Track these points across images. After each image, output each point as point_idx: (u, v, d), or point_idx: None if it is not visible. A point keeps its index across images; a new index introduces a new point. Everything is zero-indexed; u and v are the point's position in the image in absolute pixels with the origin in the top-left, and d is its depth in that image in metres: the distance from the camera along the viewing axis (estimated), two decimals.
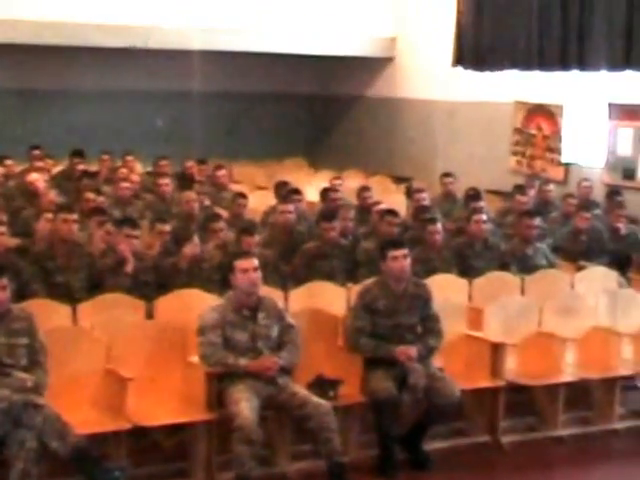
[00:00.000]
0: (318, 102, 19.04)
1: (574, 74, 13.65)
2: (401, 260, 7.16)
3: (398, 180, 15.79)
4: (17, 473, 5.74)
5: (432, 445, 7.32)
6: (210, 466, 6.71)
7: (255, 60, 17.23)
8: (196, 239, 8.44)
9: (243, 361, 6.57)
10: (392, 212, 9.56)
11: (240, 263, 6.75)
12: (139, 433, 6.55)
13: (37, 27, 14.63)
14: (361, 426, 7.26)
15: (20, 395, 5.88)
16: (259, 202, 11.86)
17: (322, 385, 6.89)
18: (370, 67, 17.66)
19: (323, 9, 16.62)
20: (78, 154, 13.40)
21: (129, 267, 8.10)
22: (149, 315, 7.55)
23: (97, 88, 17.28)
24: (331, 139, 18.96)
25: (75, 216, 8.29)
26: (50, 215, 8.66)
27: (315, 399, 6.58)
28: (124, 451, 6.45)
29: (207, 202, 11.07)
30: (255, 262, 6.78)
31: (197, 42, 15.46)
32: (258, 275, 6.76)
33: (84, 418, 6.29)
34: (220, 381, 6.62)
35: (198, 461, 6.72)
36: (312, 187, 13.29)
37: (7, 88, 16.70)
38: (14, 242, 8.75)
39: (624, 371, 8.10)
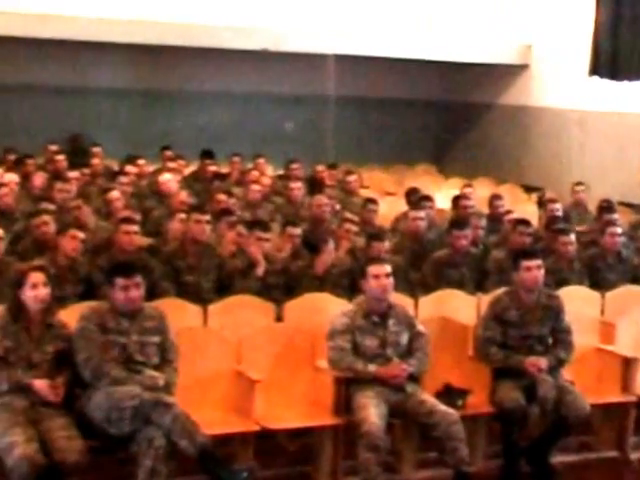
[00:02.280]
0: (448, 109, 18.89)
1: None
2: (534, 271, 7.04)
3: (528, 189, 15.56)
4: (145, 471, 5.78)
5: (558, 458, 7.16)
6: (335, 471, 6.69)
7: (388, 65, 17.16)
8: (331, 245, 8.42)
9: (372, 367, 6.53)
10: (525, 222, 9.41)
11: (373, 269, 6.71)
12: (265, 435, 6.57)
13: (170, 28, 14.87)
14: (487, 436, 7.16)
15: (151, 393, 5.91)
16: (388, 208, 11.80)
17: (450, 394, 6.83)
18: (503, 74, 17.45)
19: (459, 15, 16.50)
20: (209, 155, 13.56)
21: (260, 270, 8.14)
22: (278, 318, 7.58)
23: (228, 90, 17.46)
24: (460, 146, 18.78)
25: (207, 217, 8.37)
26: (183, 215, 8.76)
27: (443, 408, 6.50)
28: (251, 453, 6.47)
29: (337, 207, 11.07)
30: (388, 268, 6.74)
31: (331, 46, 15.49)
32: (390, 282, 6.71)
33: (211, 418, 6.32)
34: (348, 386, 6.59)
35: (323, 466, 6.71)
36: (441, 194, 13.17)
37: (139, 89, 17.01)
38: (146, 241, 8.88)
39: None
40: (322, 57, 16.07)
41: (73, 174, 11.75)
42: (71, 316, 6.46)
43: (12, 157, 13.48)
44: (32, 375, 5.97)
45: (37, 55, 16.00)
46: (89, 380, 6.04)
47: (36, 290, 6.06)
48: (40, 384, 5.94)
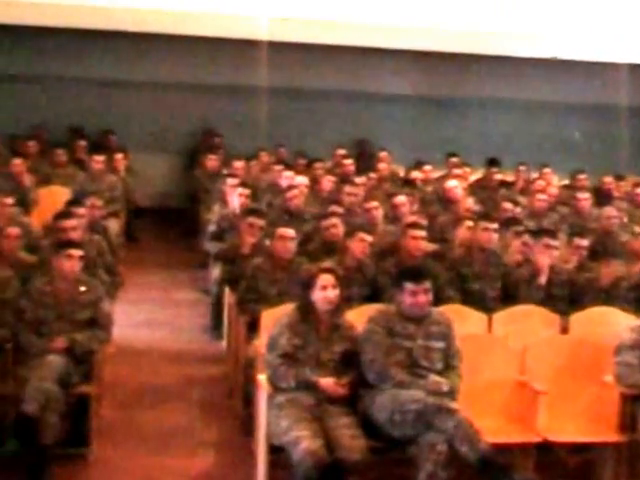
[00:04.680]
0: None
1: None
2: None
3: None
4: (425, 474, 5.80)
5: None
6: None
7: None
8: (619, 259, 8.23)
9: None
10: None
11: None
12: (544, 447, 6.46)
13: (458, 36, 14.86)
14: None
15: (434, 398, 5.93)
16: None
17: None
18: None
19: None
20: (494, 163, 13.51)
21: (542, 279, 8.04)
22: (563, 330, 7.45)
23: (515, 97, 17.28)
24: None
25: (495, 225, 8.35)
26: (470, 223, 8.77)
27: None
28: (531, 464, 6.39)
29: (625, 219, 10.78)
30: None
31: (625, 55, 15.03)
32: None
33: (493, 427, 6.27)
34: (634, 403, 6.39)
35: None
36: None
37: (425, 95, 17.08)
38: (431, 247, 8.94)
39: None
40: (614, 66, 15.61)
41: (359, 179, 11.99)
42: (357, 317, 6.60)
43: (302, 161, 13.93)
44: (319, 374, 6.13)
45: (326, 61, 16.42)
46: (374, 381, 6.13)
47: (325, 291, 6.22)
48: (326, 382, 6.09)
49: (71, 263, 6.93)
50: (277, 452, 6.06)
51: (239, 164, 13.13)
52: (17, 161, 12.01)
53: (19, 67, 16.06)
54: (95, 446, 6.89)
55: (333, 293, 6.24)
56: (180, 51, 15.97)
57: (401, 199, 10.19)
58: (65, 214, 8.51)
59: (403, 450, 5.99)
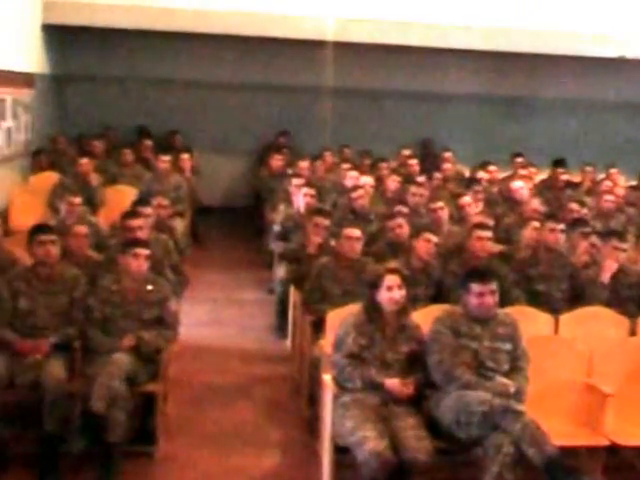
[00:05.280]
0: None
1: None
2: None
3: None
4: (492, 476, 5.77)
5: None
6: None
7: None
8: None
9: None
10: None
11: None
12: (612, 450, 6.39)
13: (524, 35, 14.82)
14: None
15: (501, 400, 5.90)
16: None
17: None
18: None
19: None
20: (561, 164, 13.38)
21: (607, 279, 7.96)
22: (631, 332, 7.37)
23: (580, 97, 17.14)
24: None
25: (562, 226, 8.28)
26: (536, 223, 8.70)
27: None
28: (599, 468, 6.32)
29: None
30: None
31: None
32: None
33: (560, 429, 6.21)
34: None
35: None
36: None
37: (491, 95, 17.05)
38: (497, 248, 8.88)
39: None
40: None
41: (421, 179, 11.95)
42: (422, 318, 6.59)
43: (367, 161, 13.92)
44: (385, 374, 6.14)
45: (392, 61, 16.41)
46: (440, 382, 6.12)
47: (391, 292, 6.22)
48: (392, 383, 6.09)
49: (138, 262, 6.99)
50: (342, 452, 6.06)
51: (304, 164, 13.15)
52: (84, 161, 12.13)
53: (88, 68, 16.27)
54: (161, 444, 6.94)
55: (399, 294, 6.23)
56: (247, 52, 16.08)
57: (467, 200, 10.15)
58: (132, 213, 8.58)
59: (469, 452, 5.97)
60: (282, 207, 11.18)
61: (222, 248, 14.45)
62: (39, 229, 7.18)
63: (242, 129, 16.69)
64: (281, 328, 9.78)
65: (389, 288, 6.22)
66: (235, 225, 15.58)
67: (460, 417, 5.92)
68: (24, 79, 13.52)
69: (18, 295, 6.92)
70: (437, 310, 6.70)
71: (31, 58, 14.22)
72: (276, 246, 10.70)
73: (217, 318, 10.63)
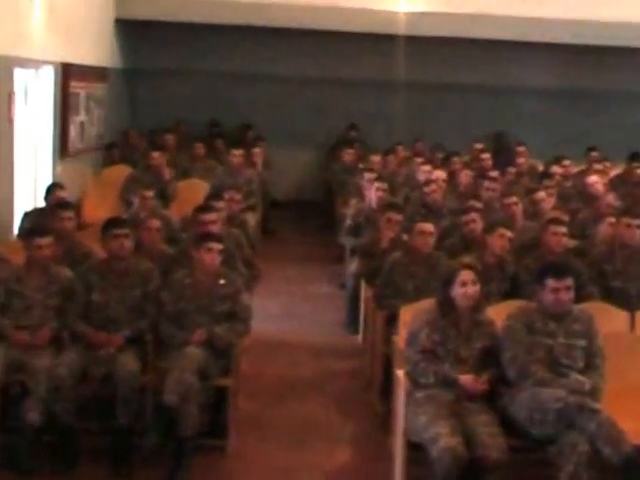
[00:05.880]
0: None
1: None
2: None
3: None
4: (567, 475, 5.67)
5: None
6: None
7: None
8: None
9: None
10: None
11: None
12: None
13: (597, 28, 14.66)
14: None
15: (576, 397, 5.81)
16: None
17: None
18: None
19: None
20: (636, 158, 13.15)
21: None
22: None
23: None
24: None
25: (638, 222, 8.11)
26: (612, 219, 8.56)
27: None
28: None
29: None
30: None
31: None
32: None
33: (636, 428, 6.05)
34: None
35: None
36: None
37: (565, 88, 16.91)
38: (572, 243, 8.76)
39: None
40: None
41: (494, 173, 11.83)
42: (496, 313, 6.50)
43: (440, 155, 13.83)
44: (459, 370, 6.07)
45: (463, 55, 16.33)
46: (514, 379, 6.04)
47: (465, 287, 6.15)
48: (466, 379, 6.02)
49: (211, 256, 7.00)
50: (415, 449, 6.01)
51: (376, 158, 13.11)
52: (156, 154, 12.20)
53: (160, 62, 16.39)
54: (233, 438, 6.95)
55: (473, 289, 6.16)
56: (319, 46, 16.09)
57: (541, 195, 10.02)
58: (205, 208, 8.60)
59: (543, 450, 5.87)
60: (354, 201, 11.15)
61: (293, 242, 14.48)
62: (113, 223, 7.21)
63: (313, 123, 16.70)
64: (352, 323, 9.76)
65: (463, 283, 6.15)
66: (306, 219, 15.60)
67: (534, 414, 5.83)
68: (97, 73, 13.67)
69: (92, 288, 6.98)
70: (511, 306, 6.62)
71: (104, 52, 14.37)
72: (347, 241, 10.67)
73: (288, 312, 10.64)
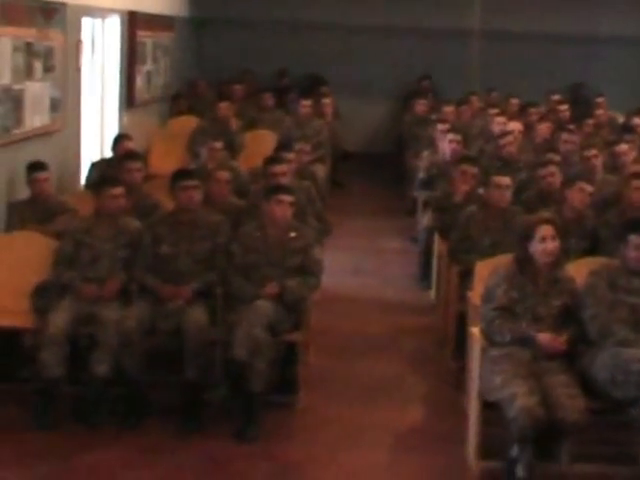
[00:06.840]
0: None
1: None
2: None
3: None
4: None
5: None
6: None
7: None
8: None
9: None
10: None
11: None
12: None
13: None
14: None
15: None
16: None
17: None
18: None
19: None
20: None
21: None
22: None
23: None
24: None
25: None
26: None
27: None
28: None
29: None
30: None
31: None
32: None
33: None
34: None
35: None
36: None
37: None
38: None
39: None
40: None
41: (572, 126, 11.52)
42: (575, 270, 6.29)
43: (515, 106, 13.53)
44: (537, 328, 5.87)
45: (540, 3, 16.05)
46: (595, 338, 5.85)
47: (545, 243, 5.94)
48: (544, 337, 5.83)
49: (282, 208, 6.85)
50: (490, 408, 5.84)
51: (449, 109, 12.88)
52: (224, 105, 12.08)
53: (227, 11, 16.27)
54: (302, 395, 6.84)
55: (553, 245, 5.95)
56: None
57: (623, 147, 9.71)
58: (275, 159, 8.46)
59: (624, 412, 5.71)
60: (426, 153, 10.94)
61: (363, 195, 14.34)
62: (181, 174, 7.09)
63: (385, 73, 16.50)
64: (425, 278, 9.63)
65: (543, 239, 5.94)
66: (376, 171, 15.43)
67: (616, 375, 5.64)
68: (164, 22, 13.58)
69: (160, 241, 6.87)
70: (591, 263, 6.43)
71: (170, 1, 14.25)
72: (420, 194, 10.50)
73: (358, 267, 10.54)
